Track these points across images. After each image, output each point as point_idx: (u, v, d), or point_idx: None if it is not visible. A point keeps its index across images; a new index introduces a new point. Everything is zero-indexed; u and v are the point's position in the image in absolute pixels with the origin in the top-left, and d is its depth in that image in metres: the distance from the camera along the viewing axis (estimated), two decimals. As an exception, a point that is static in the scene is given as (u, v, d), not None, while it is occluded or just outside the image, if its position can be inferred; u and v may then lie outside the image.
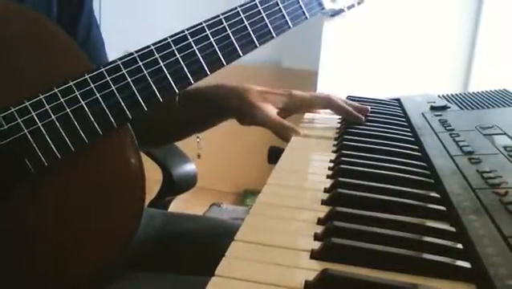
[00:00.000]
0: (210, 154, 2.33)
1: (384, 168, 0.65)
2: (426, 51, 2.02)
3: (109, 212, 0.65)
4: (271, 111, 0.85)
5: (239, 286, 0.41)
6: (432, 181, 0.62)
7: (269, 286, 0.41)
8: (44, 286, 0.63)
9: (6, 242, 0.62)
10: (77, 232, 0.64)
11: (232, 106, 0.86)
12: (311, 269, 0.43)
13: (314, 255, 0.45)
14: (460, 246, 0.47)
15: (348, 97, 1.06)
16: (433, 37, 2.01)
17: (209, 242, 0.85)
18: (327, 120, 0.94)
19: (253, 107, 0.84)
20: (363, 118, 0.86)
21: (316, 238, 0.49)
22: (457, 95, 1.04)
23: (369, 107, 0.88)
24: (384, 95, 1.09)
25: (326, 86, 2.10)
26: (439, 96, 1.04)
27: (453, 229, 0.50)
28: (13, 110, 0.60)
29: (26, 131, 0.60)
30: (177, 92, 0.68)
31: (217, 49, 0.70)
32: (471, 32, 2.01)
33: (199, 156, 0.94)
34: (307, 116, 0.98)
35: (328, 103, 0.89)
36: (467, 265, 0.44)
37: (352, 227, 0.49)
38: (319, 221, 0.52)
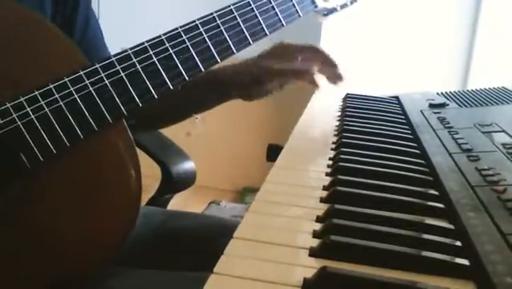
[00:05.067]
0: (209, 152, 2.34)
1: (382, 166, 0.65)
2: (425, 49, 2.02)
3: (104, 209, 0.65)
4: (272, 63, 0.84)
5: (238, 283, 0.41)
6: (431, 178, 0.62)
7: (267, 284, 0.41)
8: (37, 283, 0.63)
9: (2, 239, 0.62)
10: (71, 229, 0.64)
11: (233, 79, 0.86)
12: (310, 266, 0.43)
13: (313, 253, 0.45)
14: (458, 243, 0.47)
15: (347, 95, 1.06)
16: (432, 35, 2.01)
17: (208, 240, 0.85)
18: (326, 118, 0.94)
19: (255, 68, 0.84)
20: (342, 77, 0.89)
21: (315, 235, 0.49)
22: (455, 92, 1.04)
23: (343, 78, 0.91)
24: (382, 93, 1.09)
25: (325, 83, 2.10)
26: (438, 94, 1.04)
27: (451, 226, 0.50)
28: (8, 105, 0.60)
29: (21, 125, 0.61)
30: (172, 88, 0.68)
31: (211, 46, 0.70)
32: (470, 30, 2.01)
33: (188, 134, 0.93)
34: (306, 114, 0.98)
35: (315, 49, 0.89)
36: (466, 262, 0.44)
37: (351, 225, 0.49)
38: (318, 219, 0.52)
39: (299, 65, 0.85)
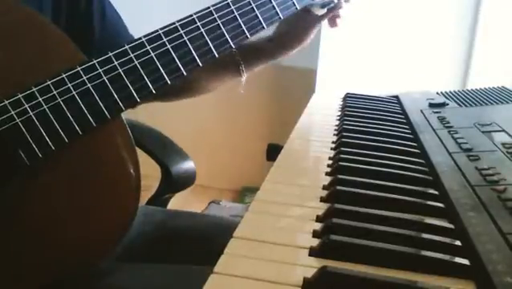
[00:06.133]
0: (209, 152, 2.34)
1: (382, 166, 0.65)
2: (425, 48, 2.02)
3: (103, 206, 0.65)
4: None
5: (238, 283, 0.41)
6: (431, 178, 0.62)
7: (267, 284, 0.41)
8: (38, 281, 0.63)
9: (2, 237, 0.62)
10: (70, 226, 0.64)
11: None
12: (310, 266, 0.43)
13: (313, 252, 0.45)
14: (458, 242, 0.47)
15: (347, 94, 1.06)
16: (432, 34, 2.00)
17: (208, 240, 0.85)
18: (326, 117, 0.94)
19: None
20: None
21: (315, 235, 0.49)
22: (455, 92, 1.04)
23: None
24: (382, 93, 1.09)
25: (325, 83, 2.10)
26: (437, 93, 1.04)
27: (451, 226, 0.50)
28: (6, 102, 0.60)
29: (19, 123, 0.61)
30: (169, 84, 0.68)
31: (208, 40, 0.70)
32: (470, 29, 2.00)
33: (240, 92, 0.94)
34: (306, 114, 0.98)
35: None
36: (466, 262, 0.44)
37: (351, 224, 0.49)
38: (318, 219, 0.52)
39: None
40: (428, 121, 0.83)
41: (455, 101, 0.96)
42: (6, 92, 0.61)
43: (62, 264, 0.64)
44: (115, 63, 0.65)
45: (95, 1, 0.81)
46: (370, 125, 0.83)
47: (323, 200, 0.57)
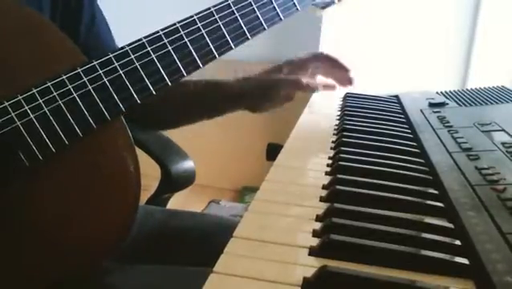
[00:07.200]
0: (209, 151, 2.34)
1: (382, 165, 0.65)
2: (424, 48, 2.02)
3: (104, 207, 0.65)
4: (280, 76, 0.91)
5: (238, 282, 0.41)
6: (431, 177, 0.62)
7: (267, 283, 0.41)
8: (38, 282, 0.63)
9: (3, 238, 0.62)
10: (72, 227, 0.64)
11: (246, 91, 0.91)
12: (310, 265, 0.43)
13: (313, 252, 0.45)
14: (458, 242, 0.47)
15: (347, 94, 1.06)
16: (432, 33, 2.01)
17: (208, 239, 0.85)
18: (326, 117, 0.94)
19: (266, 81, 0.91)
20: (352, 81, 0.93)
21: (314, 234, 0.49)
22: (455, 91, 1.04)
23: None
24: (382, 92, 1.09)
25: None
26: (437, 93, 1.04)
27: (451, 225, 0.50)
28: (6, 104, 0.60)
29: (19, 124, 0.61)
30: (170, 85, 0.68)
31: (209, 41, 0.70)
32: (469, 29, 2.01)
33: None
34: (306, 113, 0.98)
35: (325, 56, 0.97)
36: (465, 261, 0.44)
37: (350, 224, 0.49)
38: (318, 218, 0.52)
39: (297, 77, 0.90)
40: (428, 121, 0.83)
41: (455, 101, 0.96)
42: (5, 93, 0.61)
43: (64, 265, 0.64)
44: (116, 64, 0.65)
45: (85, 9, 0.82)
46: (370, 125, 0.83)
47: (322, 199, 0.57)
